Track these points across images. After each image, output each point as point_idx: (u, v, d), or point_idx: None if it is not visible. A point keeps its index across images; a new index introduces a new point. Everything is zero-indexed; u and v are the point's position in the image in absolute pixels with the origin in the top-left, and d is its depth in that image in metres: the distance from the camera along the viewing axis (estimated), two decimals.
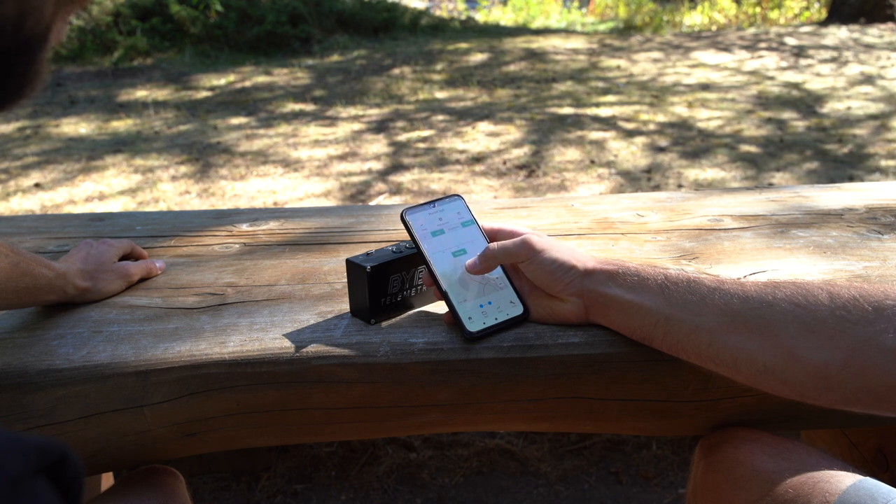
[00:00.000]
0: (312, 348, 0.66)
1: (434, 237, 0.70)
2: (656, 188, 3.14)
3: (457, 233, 0.71)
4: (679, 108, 4.52)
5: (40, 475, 0.28)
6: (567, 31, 8.43)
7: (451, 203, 0.73)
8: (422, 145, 3.86)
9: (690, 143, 3.80)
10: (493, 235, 0.73)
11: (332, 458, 1.58)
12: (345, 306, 0.74)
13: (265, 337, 0.68)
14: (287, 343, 0.67)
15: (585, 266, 0.65)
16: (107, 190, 3.28)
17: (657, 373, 0.67)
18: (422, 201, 0.72)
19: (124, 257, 0.85)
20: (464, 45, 6.87)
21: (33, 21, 0.34)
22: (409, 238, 0.71)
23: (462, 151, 3.71)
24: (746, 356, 0.57)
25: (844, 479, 0.58)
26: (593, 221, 1.00)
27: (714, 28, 8.83)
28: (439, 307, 0.74)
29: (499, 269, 0.71)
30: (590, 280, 0.65)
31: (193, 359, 0.65)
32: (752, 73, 5.61)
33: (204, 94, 5.34)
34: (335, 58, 6.50)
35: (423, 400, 0.68)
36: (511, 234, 0.71)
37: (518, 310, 0.69)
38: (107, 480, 1.01)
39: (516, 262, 0.67)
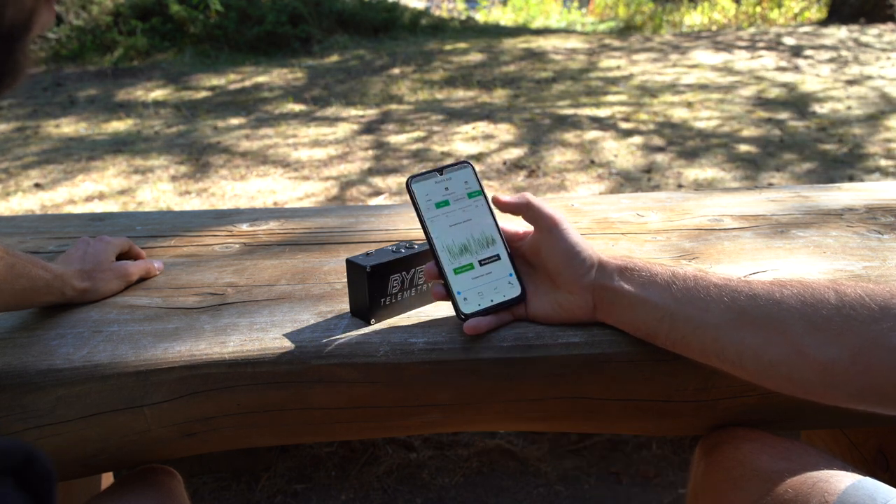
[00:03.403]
0: (312, 348, 0.66)
1: (438, 208, 0.68)
2: (656, 188, 3.15)
3: (462, 203, 0.69)
4: (678, 108, 4.52)
5: (5, 476, 0.28)
6: (567, 31, 8.43)
7: (460, 171, 0.70)
8: (421, 145, 3.86)
9: (690, 142, 3.80)
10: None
11: (332, 458, 1.58)
12: (345, 306, 0.74)
13: (265, 337, 0.68)
14: (287, 343, 0.67)
15: (600, 259, 0.65)
16: (107, 190, 3.28)
17: (657, 373, 0.67)
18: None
19: (122, 255, 0.85)
20: (463, 45, 6.87)
21: (14, 9, 0.33)
22: (405, 241, 0.71)
23: (462, 151, 3.71)
24: (752, 353, 0.57)
25: (844, 479, 0.58)
26: (593, 221, 1.00)
27: (714, 28, 8.83)
28: (440, 308, 0.74)
29: (500, 238, 0.69)
30: (600, 274, 0.64)
31: (193, 359, 0.65)
32: (751, 73, 5.61)
33: (204, 93, 5.34)
34: (335, 58, 6.50)
35: (423, 400, 0.68)
36: (514, 233, 0.71)
37: (515, 290, 0.67)
38: (107, 480, 1.01)
39: (541, 224, 0.66)
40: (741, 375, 0.59)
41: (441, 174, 0.69)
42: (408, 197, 0.68)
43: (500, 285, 0.67)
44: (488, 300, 0.66)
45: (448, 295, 0.66)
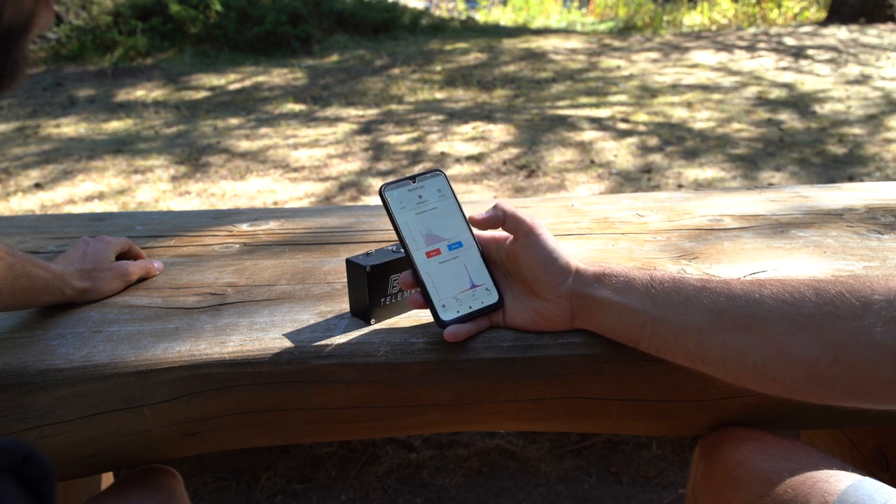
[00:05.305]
0: (312, 348, 0.66)
1: (412, 216, 0.67)
2: (656, 188, 3.15)
3: (436, 212, 0.68)
4: (678, 108, 4.52)
5: (5, 475, 0.28)
6: (567, 31, 8.43)
7: (433, 179, 0.69)
8: (421, 145, 3.86)
9: (690, 142, 3.80)
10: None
11: (332, 458, 1.58)
12: (345, 306, 0.74)
13: (265, 337, 0.68)
14: (287, 343, 0.67)
15: (577, 266, 0.65)
16: (107, 190, 3.28)
17: (657, 373, 0.67)
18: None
19: (122, 255, 0.85)
20: (463, 45, 6.87)
21: (13, 10, 0.33)
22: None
23: (461, 151, 3.71)
24: (735, 355, 0.56)
25: (843, 479, 0.58)
26: (593, 221, 1.00)
27: (714, 28, 8.83)
28: None
29: (476, 245, 0.68)
30: (577, 282, 0.64)
31: (193, 359, 0.65)
32: (751, 73, 5.61)
33: (204, 94, 5.34)
34: (335, 58, 6.50)
35: (423, 400, 0.68)
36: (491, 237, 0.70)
37: (493, 297, 0.67)
38: (107, 480, 1.01)
39: (520, 231, 0.65)
40: (725, 378, 0.59)
41: (414, 182, 0.68)
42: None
43: (478, 292, 0.67)
44: (467, 307, 0.66)
45: (426, 302, 0.65)
